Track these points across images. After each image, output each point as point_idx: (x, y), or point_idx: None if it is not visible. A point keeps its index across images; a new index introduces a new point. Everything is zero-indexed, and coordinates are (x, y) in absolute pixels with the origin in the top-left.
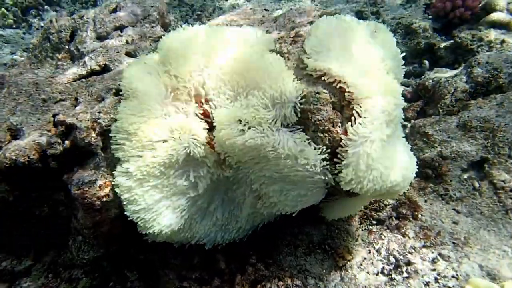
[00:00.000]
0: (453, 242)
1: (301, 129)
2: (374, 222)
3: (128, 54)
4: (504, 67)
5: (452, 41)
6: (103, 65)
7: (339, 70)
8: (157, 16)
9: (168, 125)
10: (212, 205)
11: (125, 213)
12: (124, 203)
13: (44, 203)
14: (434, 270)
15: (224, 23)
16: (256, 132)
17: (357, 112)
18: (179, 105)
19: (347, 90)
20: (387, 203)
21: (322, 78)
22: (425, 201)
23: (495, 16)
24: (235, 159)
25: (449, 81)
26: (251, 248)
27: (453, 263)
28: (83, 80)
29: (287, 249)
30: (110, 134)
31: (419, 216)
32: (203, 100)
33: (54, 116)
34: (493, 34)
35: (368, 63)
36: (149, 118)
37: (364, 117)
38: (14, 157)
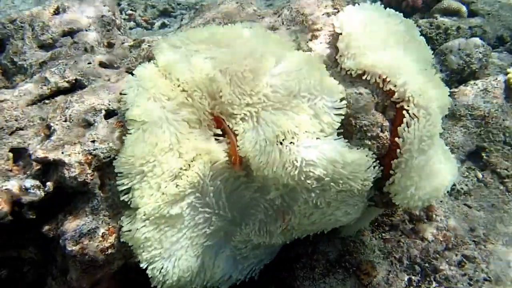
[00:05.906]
0: (474, 241)
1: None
2: (387, 228)
3: (102, 64)
4: (474, 53)
5: None
6: (73, 81)
7: (384, 66)
8: (112, 17)
9: (188, 152)
10: (230, 237)
11: (140, 264)
12: (139, 251)
13: (4, 265)
14: (464, 275)
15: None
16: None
17: (408, 113)
18: (196, 127)
19: (395, 88)
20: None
21: (362, 76)
22: None
23: (445, 3)
24: (271, 182)
25: None
26: (266, 277)
27: (481, 264)
28: (46, 101)
29: (303, 272)
30: (116, 170)
31: (434, 216)
32: (222, 117)
33: (11, 150)
34: (448, 21)
35: (411, 57)
36: (164, 147)
37: (417, 118)
38: None
